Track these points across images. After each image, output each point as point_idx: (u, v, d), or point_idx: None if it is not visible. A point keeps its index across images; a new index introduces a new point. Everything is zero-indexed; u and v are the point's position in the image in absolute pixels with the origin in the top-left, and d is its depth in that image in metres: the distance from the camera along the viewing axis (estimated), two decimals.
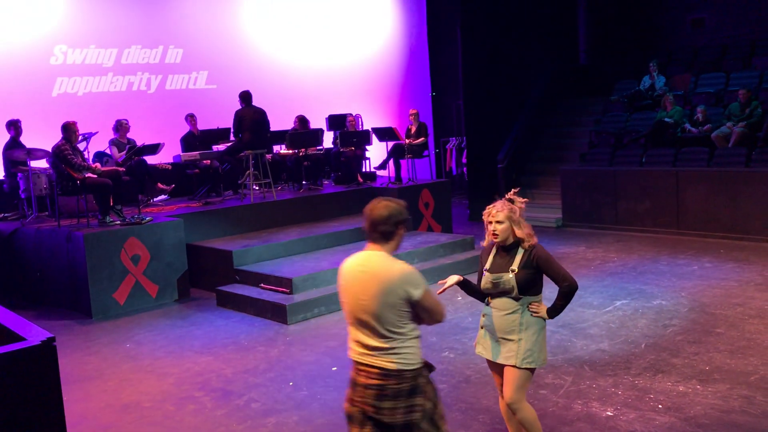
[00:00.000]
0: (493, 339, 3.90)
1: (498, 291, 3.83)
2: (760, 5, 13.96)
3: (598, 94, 14.42)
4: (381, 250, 3.22)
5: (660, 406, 4.88)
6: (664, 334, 6.40)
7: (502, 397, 3.94)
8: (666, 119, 11.81)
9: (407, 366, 3.14)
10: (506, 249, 3.91)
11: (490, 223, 3.89)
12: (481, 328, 3.98)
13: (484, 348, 3.94)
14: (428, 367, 3.29)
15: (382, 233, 3.21)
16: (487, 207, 3.94)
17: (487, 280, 3.87)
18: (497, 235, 3.85)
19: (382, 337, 3.12)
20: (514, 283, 3.79)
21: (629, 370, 5.58)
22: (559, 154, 13.69)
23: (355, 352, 3.24)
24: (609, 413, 4.83)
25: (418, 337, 3.22)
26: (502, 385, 3.92)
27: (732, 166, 10.62)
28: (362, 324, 3.17)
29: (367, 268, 3.18)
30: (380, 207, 3.22)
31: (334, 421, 4.98)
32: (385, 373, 3.13)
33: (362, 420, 3.22)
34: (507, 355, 3.83)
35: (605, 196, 11.69)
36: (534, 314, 3.84)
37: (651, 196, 11.16)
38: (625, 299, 7.55)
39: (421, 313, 3.16)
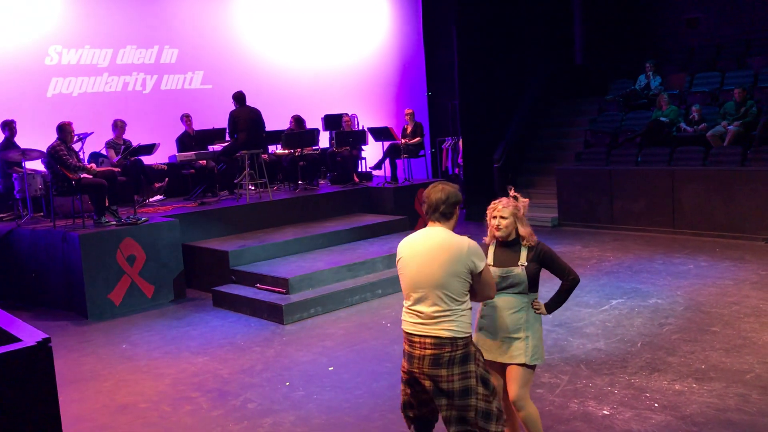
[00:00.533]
0: (494, 339, 3.88)
1: (506, 285, 3.82)
2: (754, 5, 13.99)
3: (593, 94, 14.45)
4: (443, 227, 3.50)
5: (656, 405, 4.89)
6: (660, 332, 6.41)
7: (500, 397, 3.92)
8: (661, 118, 11.83)
9: (461, 334, 3.40)
10: (507, 245, 3.92)
11: (494, 218, 3.90)
12: (479, 330, 3.95)
13: (484, 350, 3.87)
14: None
15: (442, 213, 3.50)
16: (493, 202, 3.97)
17: (494, 274, 3.81)
18: (500, 229, 3.87)
19: (442, 304, 3.38)
20: (524, 277, 3.82)
21: (625, 368, 5.58)
22: (555, 154, 13.71)
23: (409, 324, 3.49)
24: (605, 412, 4.83)
25: (470, 308, 3.49)
26: (500, 385, 3.92)
27: (727, 165, 10.64)
28: (423, 293, 3.42)
29: (434, 240, 3.45)
30: (437, 190, 3.51)
31: (331, 421, 4.98)
32: (439, 342, 3.37)
33: (416, 384, 3.49)
34: (514, 354, 3.83)
35: (601, 196, 11.71)
36: (536, 311, 3.87)
37: (646, 196, 11.18)
38: (621, 298, 7.56)
39: (478, 285, 3.46)
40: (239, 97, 10.27)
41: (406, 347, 3.49)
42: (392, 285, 8.38)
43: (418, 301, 3.45)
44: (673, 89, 13.06)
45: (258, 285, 8.08)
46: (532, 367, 3.86)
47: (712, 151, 11.00)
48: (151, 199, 10.51)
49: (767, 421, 4.55)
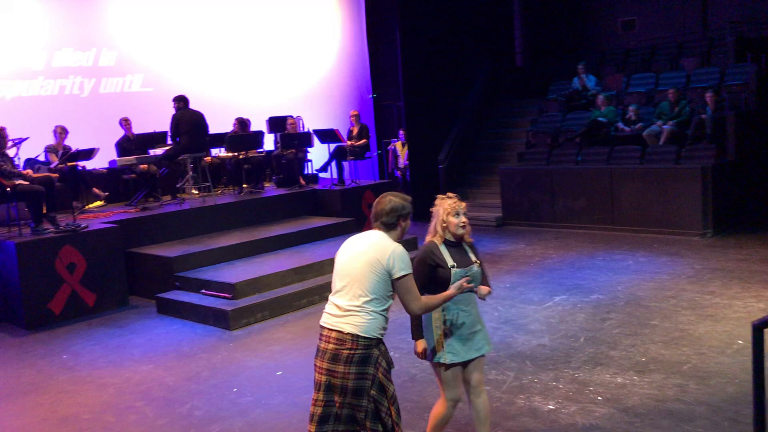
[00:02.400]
0: (461, 339, 3.89)
1: (471, 283, 3.79)
2: (685, 8, 14.50)
3: (534, 95, 14.72)
4: (384, 233, 3.57)
5: (599, 398, 5.02)
6: (602, 327, 6.58)
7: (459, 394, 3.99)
8: (600, 119, 12.14)
9: (363, 333, 3.39)
10: (453, 245, 3.94)
11: (458, 214, 3.89)
12: (445, 336, 3.87)
13: (455, 354, 3.86)
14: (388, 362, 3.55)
15: (383, 223, 3.58)
16: (448, 197, 3.96)
17: (459, 275, 3.78)
18: (466, 227, 3.91)
19: (357, 299, 3.43)
20: (480, 273, 3.95)
21: (569, 363, 5.71)
22: (499, 154, 13.92)
23: (324, 315, 3.54)
24: (551, 407, 4.93)
25: (384, 316, 3.49)
26: (462, 380, 3.98)
27: (662, 163, 10.99)
28: (343, 284, 3.49)
29: (368, 240, 3.56)
30: (384, 201, 3.59)
31: (279, 426, 4.95)
32: (341, 337, 3.40)
33: (318, 385, 3.50)
34: (480, 346, 3.96)
35: (543, 195, 11.95)
36: (483, 297, 3.95)
37: (587, 194, 11.46)
38: (564, 294, 7.72)
39: (398, 292, 3.47)
40: (181, 100, 10.11)
41: (318, 341, 3.54)
42: None
43: (338, 293, 3.52)
44: (611, 90, 13.42)
45: (203, 291, 7.97)
46: None
47: (648, 150, 11.34)
48: (90, 205, 10.25)
49: (704, 409, 4.72)
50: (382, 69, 15.70)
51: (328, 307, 3.54)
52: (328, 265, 8.64)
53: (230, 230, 9.89)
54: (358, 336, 3.38)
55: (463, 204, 3.95)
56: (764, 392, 3.45)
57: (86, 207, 10.17)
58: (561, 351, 6.01)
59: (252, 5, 13.59)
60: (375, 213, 3.60)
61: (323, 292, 8.19)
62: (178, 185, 10.45)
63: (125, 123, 10.73)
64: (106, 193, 10.39)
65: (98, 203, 10.42)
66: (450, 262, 3.85)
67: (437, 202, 4.00)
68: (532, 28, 16.12)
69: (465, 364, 3.95)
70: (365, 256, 3.47)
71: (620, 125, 12.07)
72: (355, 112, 12.49)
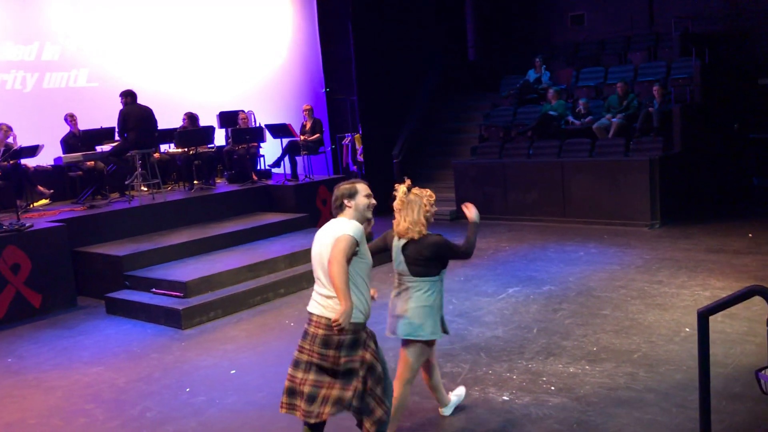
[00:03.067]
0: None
1: None
2: (633, 3, 14.77)
3: (486, 90, 14.83)
4: (343, 217, 3.80)
5: (552, 388, 5.08)
6: (555, 318, 6.66)
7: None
8: (551, 112, 12.30)
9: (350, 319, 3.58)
10: None
11: (432, 205, 4.37)
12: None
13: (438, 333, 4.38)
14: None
15: (335, 210, 3.85)
16: (423, 189, 4.41)
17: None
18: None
19: (329, 286, 3.63)
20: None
21: (523, 354, 5.77)
22: (452, 148, 13.99)
23: (311, 305, 3.77)
24: (505, 398, 4.98)
25: (361, 295, 3.70)
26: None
27: (612, 155, 11.19)
28: (318, 275, 3.75)
29: (328, 227, 3.81)
30: (335, 190, 3.87)
31: (234, 426, 4.89)
32: (324, 321, 3.63)
33: (307, 365, 3.71)
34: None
35: (495, 188, 12.06)
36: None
37: (539, 187, 11.60)
38: (517, 286, 7.80)
39: (328, 266, 3.61)
40: (129, 95, 9.88)
41: (305, 325, 3.76)
42: (295, 284, 8.31)
43: (317, 283, 3.77)
44: (561, 84, 13.60)
45: (153, 290, 7.81)
46: None
47: (597, 143, 11.54)
48: (35, 204, 9.96)
49: (653, 396, 4.82)
50: (335, 63, 15.61)
51: (314, 295, 3.77)
52: (282, 262, 8.58)
53: (181, 228, 9.71)
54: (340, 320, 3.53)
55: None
56: (710, 378, 3.53)
57: (31, 206, 9.88)
58: (515, 342, 6.06)
59: None
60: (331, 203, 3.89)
61: (277, 289, 8.12)
62: (126, 182, 10.21)
63: (71, 119, 10.44)
64: (51, 191, 10.09)
65: (43, 201, 10.12)
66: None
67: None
68: (484, 22, 16.23)
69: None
70: (324, 241, 3.72)
71: (570, 119, 12.25)
72: (308, 107, 12.38)
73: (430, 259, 4.25)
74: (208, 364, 6.13)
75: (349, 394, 3.64)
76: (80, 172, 10.19)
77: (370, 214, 3.89)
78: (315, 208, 11.01)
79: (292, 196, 10.92)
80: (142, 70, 12.18)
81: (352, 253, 3.62)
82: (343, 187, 3.85)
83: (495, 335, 6.30)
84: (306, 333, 3.72)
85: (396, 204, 4.33)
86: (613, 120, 11.58)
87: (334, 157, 15.46)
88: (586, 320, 6.53)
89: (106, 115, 10.82)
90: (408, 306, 4.25)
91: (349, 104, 15.74)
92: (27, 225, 8.16)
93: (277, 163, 11.97)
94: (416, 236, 4.24)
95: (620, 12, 14.96)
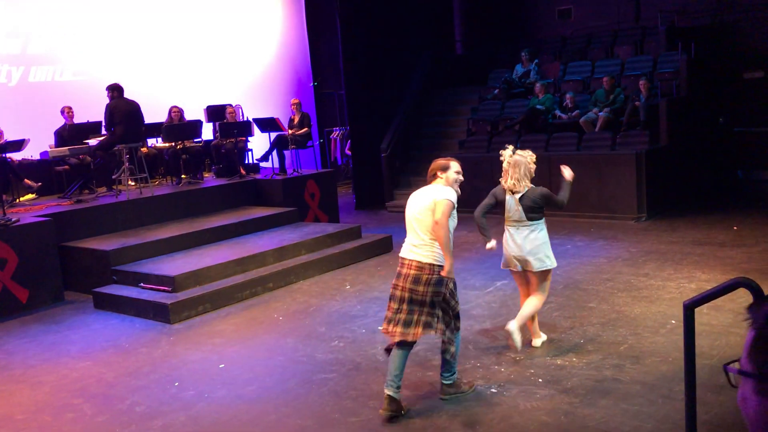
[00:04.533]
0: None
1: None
2: None
3: (474, 83, 14.84)
4: (437, 183, 4.77)
5: (540, 380, 5.12)
6: (542, 311, 6.67)
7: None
8: (538, 106, 12.34)
9: (436, 261, 4.58)
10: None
11: (535, 162, 5.72)
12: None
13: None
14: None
15: (430, 177, 4.83)
16: (525, 150, 5.71)
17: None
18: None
19: (421, 237, 4.61)
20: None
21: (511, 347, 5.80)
22: (440, 142, 14.00)
23: (404, 250, 4.74)
24: (493, 390, 5.02)
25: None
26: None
27: (598, 149, 11.25)
28: (411, 227, 4.69)
29: (426, 190, 4.77)
30: (432, 163, 4.88)
31: (223, 419, 4.89)
32: (420, 265, 4.58)
33: (401, 299, 4.65)
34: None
35: (484, 182, 11.98)
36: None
37: None
38: (505, 279, 7.83)
39: (434, 217, 4.55)
40: (116, 88, 9.81)
41: (399, 267, 4.72)
42: (283, 278, 8.31)
43: (409, 234, 4.69)
44: (549, 78, 13.64)
45: (142, 284, 7.79)
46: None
47: (584, 137, 11.59)
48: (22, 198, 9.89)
49: (640, 388, 4.87)
50: (323, 57, 15.59)
51: (406, 244, 4.72)
52: (270, 256, 8.58)
53: (169, 222, 9.68)
54: (432, 264, 4.56)
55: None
56: (695, 369, 3.57)
57: (17, 200, 9.82)
58: (502, 335, 6.10)
59: None
60: (429, 171, 4.88)
61: (266, 283, 8.12)
62: (114, 176, 10.17)
63: (68, 112, 10.36)
64: (39, 184, 10.03)
65: (30, 196, 10.07)
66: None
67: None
68: (471, 16, 16.23)
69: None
70: (422, 201, 4.67)
71: (558, 113, 12.29)
72: (296, 101, 12.36)
73: (541, 206, 5.54)
74: (196, 359, 6.13)
75: (434, 319, 4.63)
76: (67, 167, 10.13)
77: (457, 188, 4.79)
78: (303, 202, 11.00)
79: (280, 190, 10.90)
80: (128, 64, 12.12)
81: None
82: (440, 161, 4.83)
83: (483, 328, 6.34)
84: (399, 273, 4.67)
85: (505, 165, 5.57)
86: (600, 114, 11.64)
87: (322, 151, 15.45)
88: (573, 313, 6.58)
89: (92, 109, 10.75)
90: (532, 245, 5.50)
91: (337, 98, 15.73)
92: (13, 219, 8.11)
93: (265, 157, 11.94)
94: (523, 189, 5.49)
95: (607, 6, 15.01)
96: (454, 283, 4.78)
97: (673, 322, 6.08)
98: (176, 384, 5.57)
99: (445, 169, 4.77)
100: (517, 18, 16.15)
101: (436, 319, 4.64)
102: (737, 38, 13.54)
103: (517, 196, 5.49)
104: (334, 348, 6.12)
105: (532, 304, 5.59)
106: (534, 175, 5.58)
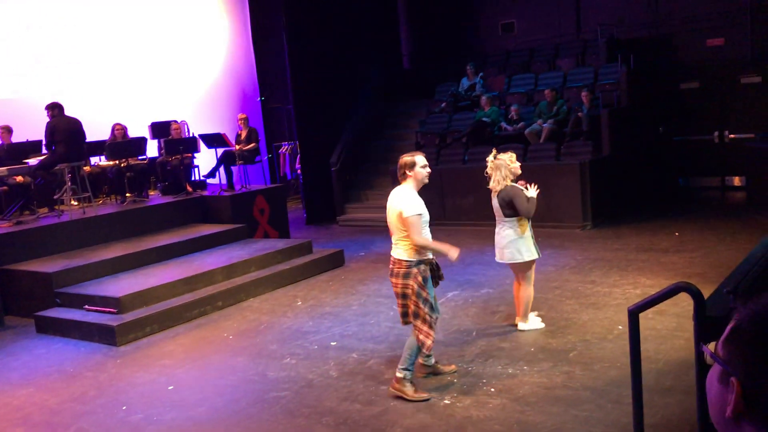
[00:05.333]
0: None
1: None
2: (560, 11, 15.18)
3: (421, 97, 14.97)
4: (405, 185, 5.14)
5: (492, 390, 5.16)
6: (493, 320, 6.77)
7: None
8: (484, 119, 12.51)
9: (404, 257, 5.03)
10: None
11: (514, 162, 6.35)
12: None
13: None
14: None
15: (400, 176, 5.16)
16: (505, 152, 6.40)
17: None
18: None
19: (394, 236, 5.09)
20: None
21: (463, 357, 5.84)
22: (390, 156, 14.01)
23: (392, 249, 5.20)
24: (447, 401, 5.02)
25: (415, 242, 5.00)
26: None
27: (544, 160, 11.45)
28: (390, 229, 5.13)
29: (395, 193, 5.15)
30: (399, 160, 5.20)
31: None
32: (394, 260, 5.10)
33: (395, 294, 5.16)
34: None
35: (433, 194, 12.11)
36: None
37: (475, 192, 11.71)
38: (456, 290, 7.89)
39: (406, 227, 4.97)
40: (56, 107, 9.56)
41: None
42: (233, 296, 8.19)
43: (392, 234, 5.13)
44: (494, 90, 13.85)
45: (86, 306, 7.58)
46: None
47: (530, 148, 11.78)
48: None
49: (589, 393, 4.95)
50: (270, 71, 15.51)
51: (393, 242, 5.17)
52: (219, 274, 8.45)
53: (114, 242, 9.45)
54: (401, 260, 5.03)
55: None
56: (641, 374, 3.65)
57: None
58: (455, 346, 6.13)
59: (131, 5, 13.07)
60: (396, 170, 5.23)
61: (215, 302, 7.99)
62: (55, 197, 9.89)
63: (3, 131, 10.06)
64: None
65: None
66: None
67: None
68: (417, 30, 16.39)
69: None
70: (393, 206, 5.06)
71: (504, 125, 12.48)
72: (243, 116, 12.25)
73: (510, 202, 6.08)
74: (144, 381, 5.98)
75: (407, 310, 5.05)
76: (6, 187, 9.81)
77: (426, 180, 5.17)
78: (252, 219, 10.88)
79: (228, 207, 10.77)
80: (69, 81, 11.85)
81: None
82: (406, 159, 5.13)
83: (436, 339, 6.33)
84: (390, 270, 5.15)
85: (487, 169, 6.22)
86: (544, 125, 11.86)
87: (270, 166, 15.33)
88: None
89: (30, 128, 10.43)
90: (506, 241, 6.17)
91: (285, 113, 15.65)
92: None
93: (212, 174, 11.79)
94: (501, 188, 6.12)
95: (549, 19, 15.34)
96: (426, 276, 5.06)
97: (620, 327, 6.20)
98: (124, 408, 5.42)
99: (412, 166, 5.08)
100: (462, 32, 16.37)
101: (407, 311, 5.05)
102: (673, 50, 13.99)
103: (496, 194, 6.17)
104: (286, 365, 6.05)
105: (521, 296, 6.27)
106: (519, 172, 6.32)
